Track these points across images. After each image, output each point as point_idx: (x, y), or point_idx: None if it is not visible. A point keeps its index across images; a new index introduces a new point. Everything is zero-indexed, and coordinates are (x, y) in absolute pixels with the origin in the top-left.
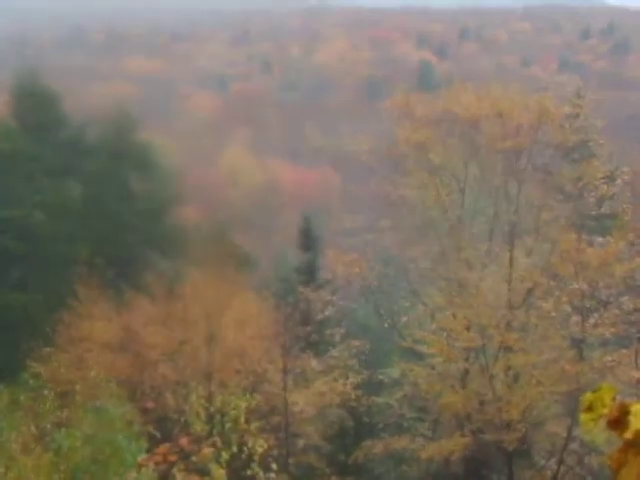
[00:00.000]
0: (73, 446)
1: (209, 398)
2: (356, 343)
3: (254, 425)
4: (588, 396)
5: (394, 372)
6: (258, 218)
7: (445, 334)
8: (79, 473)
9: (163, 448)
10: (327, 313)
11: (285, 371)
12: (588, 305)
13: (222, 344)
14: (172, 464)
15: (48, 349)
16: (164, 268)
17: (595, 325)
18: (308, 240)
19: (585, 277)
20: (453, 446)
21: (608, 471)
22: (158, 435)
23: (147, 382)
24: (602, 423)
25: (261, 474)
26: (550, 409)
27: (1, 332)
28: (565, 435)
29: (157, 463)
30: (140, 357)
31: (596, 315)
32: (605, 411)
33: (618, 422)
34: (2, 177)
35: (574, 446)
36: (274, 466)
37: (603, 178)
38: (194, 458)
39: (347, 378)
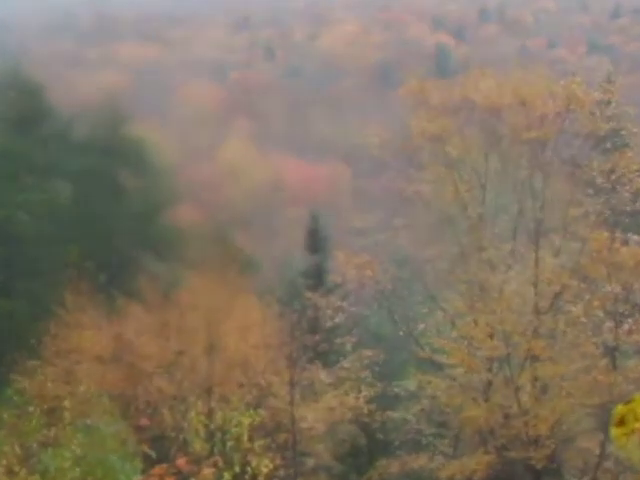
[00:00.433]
0: (61, 467)
1: (209, 414)
2: (369, 353)
3: (258, 443)
4: (620, 409)
5: (411, 384)
6: (261, 217)
7: (466, 342)
8: None
9: (159, 469)
10: (337, 320)
11: (292, 384)
12: (622, 310)
13: (223, 355)
14: None
15: (33, 362)
16: (159, 272)
17: (629, 331)
18: (316, 241)
19: (618, 279)
20: (476, 464)
21: None
22: (154, 455)
23: (142, 397)
24: (636, 438)
25: None
26: (581, 423)
27: None
28: (598, 452)
29: None
30: (134, 370)
31: (630, 321)
32: (638, 425)
33: None
34: None
35: (608, 464)
36: None
37: (638, 170)
38: None
39: (359, 391)
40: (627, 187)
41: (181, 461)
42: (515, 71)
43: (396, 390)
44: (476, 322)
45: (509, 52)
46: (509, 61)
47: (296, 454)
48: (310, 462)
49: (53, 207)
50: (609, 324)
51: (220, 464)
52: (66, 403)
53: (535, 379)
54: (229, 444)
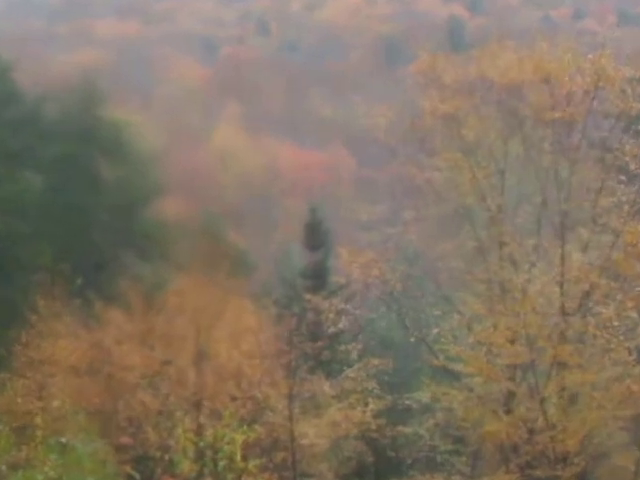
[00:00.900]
0: None
1: (198, 431)
2: (376, 361)
3: (253, 463)
4: None
5: (423, 396)
6: (255, 210)
7: (485, 349)
8: None
9: None
10: (341, 325)
11: (291, 397)
12: None
13: (214, 365)
14: None
15: (1, 374)
16: (142, 273)
17: None
18: (316, 236)
19: None
20: None
21: None
22: (137, 477)
23: (123, 413)
24: None
25: None
26: (614, 438)
27: None
28: (634, 469)
29: None
30: (114, 382)
31: None
32: None
33: None
34: None
35: None
36: None
37: None
38: None
39: (366, 404)
40: None
41: None
42: (537, 44)
43: (407, 403)
44: (496, 326)
45: (530, 23)
46: (531, 33)
47: (296, 474)
48: None
49: (23, 201)
50: None
51: None
52: (38, 420)
53: (562, 389)
54: (221, 464)
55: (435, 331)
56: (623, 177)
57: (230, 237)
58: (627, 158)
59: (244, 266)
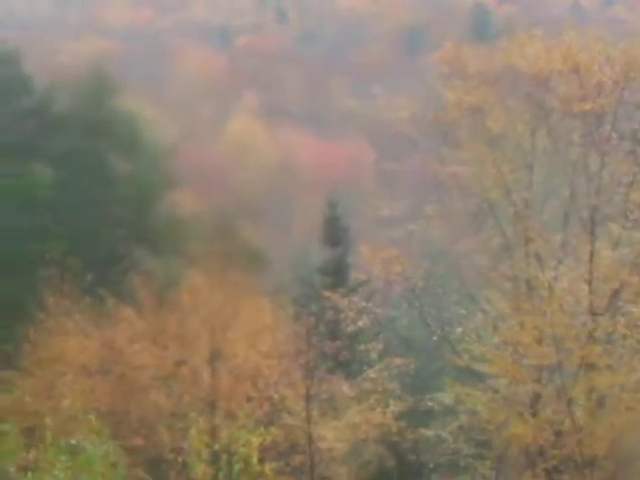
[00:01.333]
0: None
1: (213, 433)
2: (398, 361)
3: (270, 466)
4: None
5: (446, 397)
6: (272, 205)
7: (510, 349)
8: None
9: None
10: (361, 324)
11: (308, 398)
12: None
13: (229, 364)
14: None
15: (10, 373)
16: (155, 269)
17: None
18: (335, 232)
19: None
20: None
21: None
22: None
23: (135, 414)
24: None
25: None
26: None
27: None
28: None
29: None
30: (126, 382)
31: None
32: None
33: None
34: None
35: None
36: None
37: None
38: None
39: (387, 406)
40: None
41: None
42: (566, 33)
43: (430, 404)
44: (522, 325)
45: (559, 11)
46: (559, 22)
47: (314, 478)
48: None
49: (32, 195)
50: None
51: None
52: (47, 420)
53: (591, 391)
54: (236, 467)
55: (459, 330)
56: None
57: (245, 233)
58: None
59: (260, 263)
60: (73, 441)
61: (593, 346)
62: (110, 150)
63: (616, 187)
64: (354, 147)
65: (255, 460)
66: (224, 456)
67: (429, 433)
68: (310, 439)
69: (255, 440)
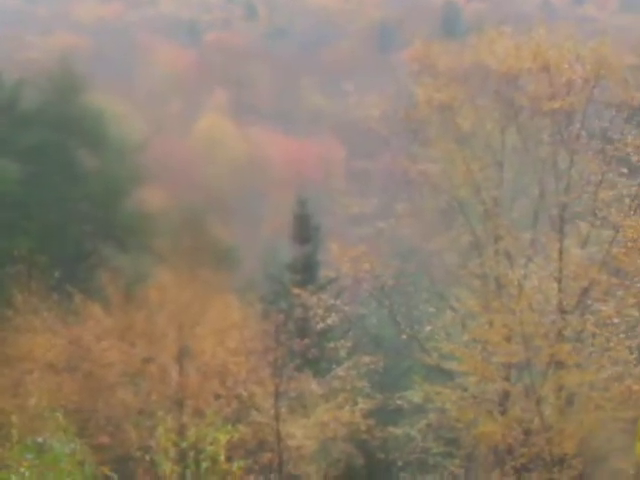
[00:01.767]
0: None
1: (180, 431)
2: (367, 359)
3: (238, 464)
4: None
5: (415, 396)
6: (242, 202)
7: (480, 347)
8: None
9: None
10: (330, 321)
11: (277, 395)
12: None
13: (197, 362)
14: None
15: None
16: (123, 266)
17: None
18: (305, 229)
19: None
20: None
21: None
22: (116, 478)
23: (102, 412)
24: None
25: None
26: (614, 440)
27: None
28: (633, 471)
29: None
30: (93, 380)
31: None
32: None
33: None
34: None
35: None
36: None
37: None
38: None
39: (356, 404)
40: None
41: None
42: (536, 31)
43: (399, 402)
44: (491, 323)
45: (529, 8)
46: (529, 19)
47: (282, 477)
48: None
49: None
50: None
51: None
52: (14, 419)
53: (560, 389)
54: (204, 465)
55: (428, 328)
56: (624, 169)
57: (215, 230)
58: (629, 149)
59: (229, 260)
60: (40, 439)
61: (562, 344)
62: (78, 146)
63: (585, 185)
64: (324, 145)
65: (223, 458)
66: (191, 454)
67: (398, 431)
68: (279, 437)
69: (223, 438)
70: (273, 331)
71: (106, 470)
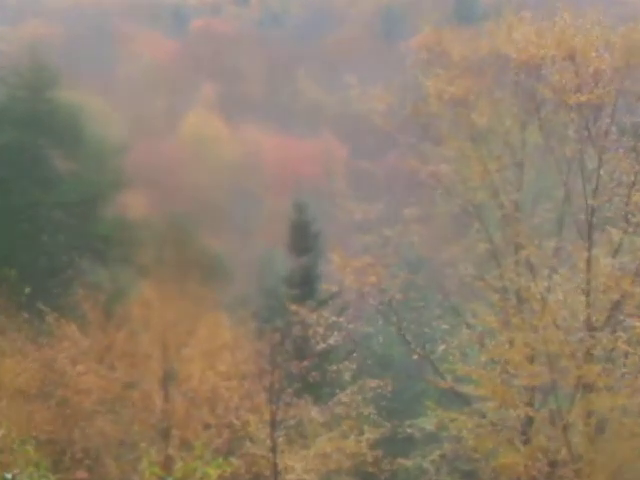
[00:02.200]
0: None
1: (166, 464)
2: (373, 383)
3: None
4: None
5: (428, 423)
6: (233, 208)
7: (499, 368)
8: None
9: None
10: (332, 341)
11: (274, 424)
12: None
13: (184, 387)
14: None
15: None
16: (101, 281)
17: None
18: (303, 238)
19: None
20: None
21: None
22: None
23: (79, 443)
24: None
25: None
26: None
27: None
28: None
29: None
30: (68, 408)
31: None
32: None
33: None
34: None
35: None
36: None
37: None
38: None
39: (361, 433)
40: None
41: None
42: (560, 15)
43: (409, 431)
44: (512, 342)
45: None
46: (552, 3)
47: None
48: None
49: None
50: None
51: None
52: None
53: (589, 415)
54: None
55: (441, 348)
56: None
57: (203, 239)
58: None
59: (219, 273)
60: (9, 475)
61: (591, 365)
62: (51, 147)
63: (616, 187)
64: (323, 143)
65: None
66: None
67: (409, 463)
68: (275, 470)
69: (213, 472)
70: (268, 352)
71: None
